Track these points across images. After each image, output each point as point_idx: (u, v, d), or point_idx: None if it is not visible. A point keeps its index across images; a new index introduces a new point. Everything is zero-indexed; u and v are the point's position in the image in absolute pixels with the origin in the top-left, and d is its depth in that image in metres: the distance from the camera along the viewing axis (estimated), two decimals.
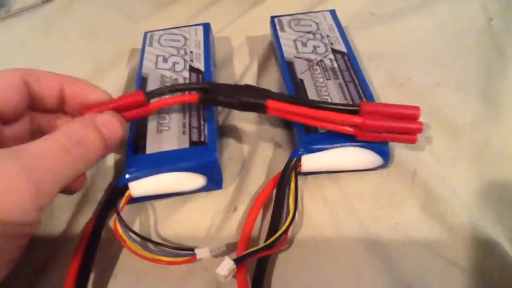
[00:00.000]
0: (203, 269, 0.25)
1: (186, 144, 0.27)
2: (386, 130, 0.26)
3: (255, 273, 0.24)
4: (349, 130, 0.26)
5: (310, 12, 0.37)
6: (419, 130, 0.26)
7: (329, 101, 0.29)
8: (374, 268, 0.25)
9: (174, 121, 0.29)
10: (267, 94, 0.27)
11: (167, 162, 0.27)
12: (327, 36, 0.34)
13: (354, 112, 0.26)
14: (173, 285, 0.25)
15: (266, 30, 0.38)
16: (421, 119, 0.31)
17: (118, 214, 0.25)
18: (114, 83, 0.37)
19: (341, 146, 0.27)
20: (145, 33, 0.37)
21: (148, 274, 0.25)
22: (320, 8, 0.40)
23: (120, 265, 0.26)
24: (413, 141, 0.26)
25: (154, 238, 0.27)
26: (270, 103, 0.26)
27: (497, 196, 0.27)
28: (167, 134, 0.28)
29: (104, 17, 0.46)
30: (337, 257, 0.26)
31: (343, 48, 0.33)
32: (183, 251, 0.25)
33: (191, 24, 0.38)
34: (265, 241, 0.24)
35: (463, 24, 0.39)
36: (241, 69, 0.38)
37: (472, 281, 0.24)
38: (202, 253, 0.24)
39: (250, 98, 0.26)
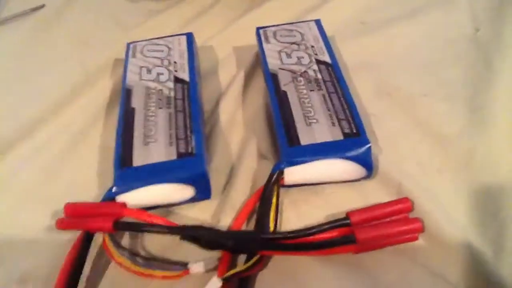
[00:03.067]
0: (184, 282, 0.25)
1: (173, 156, 0.27)
2: (384, 238, 0.25)
3: None
4: (349, 249, 0.25)
5: (295, 22, 0.37)
6: (419, 230, 0.25)
7: (312, 113, 0.29)
8: (359, 279, 0.25)
9: (161, 133, 0.29)
10: (258, 246, 0.25)
11: (155, 174, 0.27)
12: (312, 46, 0.34)
13: (346, 225, 0.25)
14: None
15: (254, 40, 0.38)
16: (407, 130, 0.32)
17: None
18: (99, 95, 0.37)
19: (324, 158, 0.27)
20: (128, 44, 0.37)
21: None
22: (310, 17, 0.39)
23: (106, 280, 0.26)
24: (414, 240, 0.26)
25: (141, 250, 0.27)
26: (264, 253, 0.25)
27: (483, 207, 0.27)
28: (154, 146, 0.28)
29: (93, 25, 0.46)
30: (321, 271, 0.25)
31: (327, 59, 0.33)
32: (176, 266, 0.25)
33: (176, 33, 0.38)
34: (246, 259, 0.24)
35: (451, 33, 0.39)
36: (227, 79, 0.37)
37: None
38: (195, 268, 0.24)
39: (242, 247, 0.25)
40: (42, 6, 0.48)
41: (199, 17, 0.45)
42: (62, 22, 0.47)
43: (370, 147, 0.27)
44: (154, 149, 0.28)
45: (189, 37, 0.37)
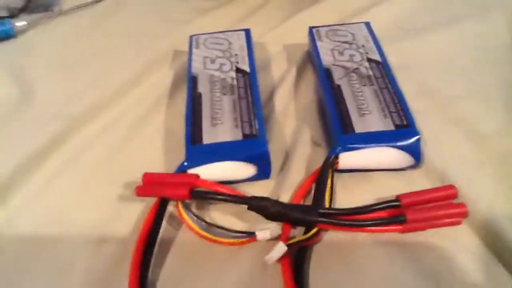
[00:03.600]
0: (248, 248, 0.28)
1: (239, 136, 0.30)
2: (431, 220, 0.28)
3: (296, 259, 0.26)
4: (397, 228, 0.27)
5: (346, 24, 0.40)
6: (464, 215, 0.27)
7: (365, 105, 0.32)
8: (404, 258, 0.27)
9: (227, 116, 0.32)
10: (317, 219, 0.27)
11: (223, 152, 0.29)
12: (363, 46, 0.37)
13: (396, 207, 0.27)
14: (223, 261, 0.27)
15: (303, 39, 0.41)
16: (448, 127, 0.34)
17: None
18: (160, 83, 0.40)
19: (376, 146, 0.30)
20: (191, 36, 0.40)
21: (199, 252, 0.28)
22: (355, 21, 0.42)
23: (177, 244, 0.29)
24: (458, 224, 0.28)
25: (208, 220, 0.29)
26: (321, 226, 0.27)
27: None
28: (221, 127, 0.31)
29: (149, 20, 0.50)
30: (370, 250, 0.28)
31: (377, 57, 0.36)
32: (244, 233, 0.27)
33: (233, 29, 0.41)
34: (305, 231, 0.27)
35: (488, 41, 0.42)
36: (280, 74, 0.40)
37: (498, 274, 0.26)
38: (262, 235, 0.27)
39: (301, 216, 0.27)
40: None
41: (248, 16, 0.48)
42: (120, 16, 0.51)
43: (419, 137, 0.30)
44: (221, 130, 0.31)
45: (247, 32, 0.40)
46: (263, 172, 0.31)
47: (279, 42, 0.44)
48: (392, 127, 0.30)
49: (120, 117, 0.38)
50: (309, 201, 0.30)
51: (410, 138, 0.30)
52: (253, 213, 0.28)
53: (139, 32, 0.48)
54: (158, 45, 0.45)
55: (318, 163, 0.30)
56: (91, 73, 0.43)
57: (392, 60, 0.40)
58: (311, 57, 0.40)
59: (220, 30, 0.42)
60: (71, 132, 0.37)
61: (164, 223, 0.29)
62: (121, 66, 0.43)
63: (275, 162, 0.33)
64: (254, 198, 0.27)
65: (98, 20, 0.49)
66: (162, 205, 0.28)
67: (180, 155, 0.30)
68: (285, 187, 0.31)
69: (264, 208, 0.27)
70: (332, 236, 0.28)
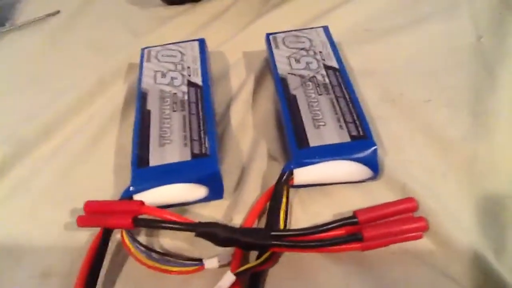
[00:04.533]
0: (198, 277, 0.26)
1: (188, 156, 0.29)
2: (389, 236, 0.26)
3: (249, 286, 0.25)
4: (355, 246, 0.26)
5: (304, 29, 0.38)
6: (424, 229, 0.26)
7: (320, 116, 0.30)
8: (365, 276, 0.26)
9: (176, 134, 0.30)
10: (270, 242, 0.25)
11: (171, 174, 0.28)
12: (320, 52, 0.35)
13: (353, 223, 0.26)
14: None
15: (263, 46, 0.39)
16: (411, 134, 0.33)
17: None
18: (114, 98, 0.39)
19: (331, 160, 0.28)
20: (142, 49, 0.38)
21: (147, 282, 0.26)
22: (316, 24, 0.41)
23: (123, 275, 0.27)
24: (419, 238, 0.27)
25: (157, 247, 0.28)
26: (275, 249, 0.26)
27: (485, 208, 0.28)
28: (170, 147, 0.29)
29: (106, 32, 0.48)
30: (329, 268, 0.26)
31: (335, 64, 0.34)
32: (192, 261, 0.26)
33: (188, 39, 0.39)
34: (258, 255, 0.26)
35: (454, 41, 0.40)
36: (238, 84, 0.39)
37: None
38: (210, 263, 0.25)
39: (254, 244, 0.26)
40: (57, 12, 0.50)
41: (209, 23, 0.47)
42: (76, 28, 0.49)
43: (376, 149, 0.28)
44: (169, 150, 0.29)
45: (201, 42, 0.38)
46: (215, 193, 0.29)
47: (239, 50, 0.42)
48: (348, 139, 0.29)
49: (71, 137, 0.36)
50: (264, 221, 0.28)
51: (366, 149, 0.28)
52: None
53: (95, 45, 0.46)
54: (114, 58, 0.43)
55: (275, 179, 0.29)
56: (44, 91, 0.41)
57: (355, 64, 0.39)
58: (269, 65, 0.38)
59: (180, 38, 0.40)
60: (20, 156, 0.35)
61: (112, 253, 0.28)
62: (75, 82, 0.41)
63: (230, 179, 0.31)
64: (201, 224, 0.26)
65: (52, 35, 0.48)
66: (105, 235, 0.26)
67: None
68: (240, 207, 0.30)
69: (212, 234, 0.25)
70: (288, 257, 0.27)
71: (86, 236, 0.29)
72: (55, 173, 0.34)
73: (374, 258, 0.26)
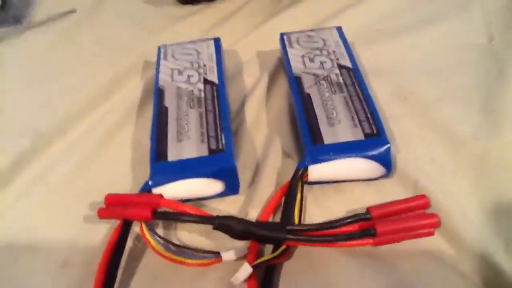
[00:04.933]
0: (215, 270, 0.27)
1: (205, 152, 0.29)
2: (402, 232, 0.27)
3: (263, 278, 0.26)
4: (368, 242, 0.27)
5: (317, 29, 0.39)
6: (436, 225, 0.27)
7: (335, 115, 0.31)
8: (377, 271, 0.27)
9: (193, 130, 0.31)
10: (285, 236, 0.26)
11: (188, 168, 0.29)
12: (334, 52, 0.36)
13: (367, 219, 0.27)
14: (189, 283, 0.27)
15: (276, 45, 0.40)
16: (423, 131, 0.33)
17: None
18: (130, 95, 0.39)
19: (346, 157, 0.29)
20: (159, 47, 0.39)
21: (165, 273, 0.27)
22: (328, 24, 0.42)
23: (142, 266, 0.28)
24: (431, 234, 0.27)
25: (175, 240, 0.29)
26: (289, 243, 0.26)
27: (495, 205, 0.29)
28: (187, 143, 0.30)
29: (121, 30, 0.48)
30: (342, 262, 0.27)
31: (348, 64, 0.35)
32: (209, 254, 0.26)
33: (203, 38, 0.40)
34: (273, 249, 0.26)
35: (465, 41, 0.41)
36: (252, 82, 0.39)
37: (473, 286, 0.25)
38: (227, 255, 0.26)
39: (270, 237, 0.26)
40: (74, 10, 0.51)
41: (223, 22, 0.47)
42: (92, 26, 0.49)
43: (389, 146, 0.29)
44: (187, 145, 0.30)
45: (217, 41, 0.39)
46: (232, 188, 0.30)
47: (252, 49, 0.43)
48: (361, 137, 0.29)
49: (88, 132, 0.37)
50: (279, 216, 0.29)
51: (380, 147, 0.29)
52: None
53: (110, 42, 0.47)
54: (129, 55, 0.44)
55: (289, 175, 0.30)
56: (60, 87, 0.42)
57: (367, 63, 0.40)
58: (283, 64, 0.39)
59: (193, 37, 0.41)
60: (38, 149, 0.36)
61: (130, 244, 0.29)
62: (91, 78, 0.42)
63: (245, 175, 0.32)
64: (219, 217, 0.26)
65: (68, 32, 0.48)
66: (125, 226, 0.27)
67: (149, 171, 0.29)
68: (255, 202, 0.30)
69: (229, 227, 0.26)
70: (303, 251, 0.28)
71: (105, 229, 0.29)
72: (73, 167, 0.34)
73: (387, 254, 0.27)
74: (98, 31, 0.49)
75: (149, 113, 0.34)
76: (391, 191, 0.30)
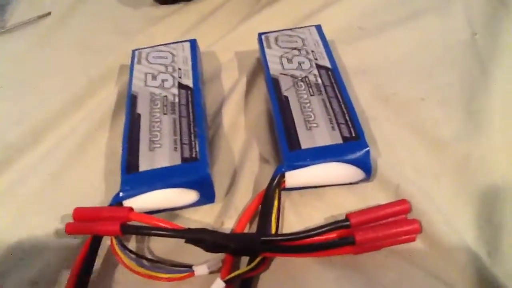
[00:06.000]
0: (188, 284, 0.26)
1: (178, 161, 0.28)
2: (382, 239, 0.26)
3: None
4: (347, 250, 0.26)
5: (296, 28, 0.38)
6: (417, 231, 0.26)
7: (312, 118, 0.30)
8: (357, 280, 0.26)
9: (166, 138, 0.30)
10: (260, 248, 0.25)
11: (160, 179, 0.27)
12: (312, 51, 0.35)
13: (346, 227, 0.26)
14: None
15: (255, 45, 0.39)
16: (405, 133, 0.32)
17: None
18: (104, 101, 0.38)
19: (323, 162, 0.28)
20: (133, 51, 0.38)
21: None
22: (309, 23, 0.40)
23: (113, 282, 0.27)
24: (412, 241, 0.26)
25: (147, 254, 0.28)
26: (265, 254, 0.25)
27: (478, 210, 0.28)
28: (159, 151, 0.29)
29: (98, 32, 0.47)
30: (321, 272, 0.26)
31: (327, 64, 0.34)
32: (182, 268, 0.25)
33: (180, 40, 0.39)
34: (249, 261, 0.25)
35: (448, 38, 0.40)
36: (230, 84, 0.38)
37: None
38: (200, 270, 0.25)
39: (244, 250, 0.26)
40: (49, 13, 0.49)
41: (201, 22, 0.46)
42: (67, 29, 0.48)
43: (368, 150, 0.28)
44: (159, 154, 0.29)
45: (193, 43, 0.38)
46: (207, 197, 0.29)
47: (231, 49, 0.42)
48: (340, 140, 0.28)
49: (61, 142, 0.36)
50: (256, 224, 0.28)
51: (358, 151, 0.28)
52: None
53: (86, 46, 0.45)
54: (105, 60, 0.43)
55: (267, 182, 0.28)
56: (33, 94, 0.41)
57: (349, 63, 0.39)
58: (261, 65, 0.38)
59: (171, 39, 0.40)
60: (8, 161, 0.35)
61: (101, 260, 0.27)
62: (65, 85, 0.40)
63: (221, 183, 0.31)
64: (191, 230, 0.25)
65: (43, 37, 0.47)
66: (94, 242, 0.26)
67: None
68: (231, 211, 0.29)
69: (202, 241, 0.25)
70: (279, 261, 0.27)
71: (78, 242, 0.28)
72: (44, 178, 0.33)
73: (367, 262, 0.26)
74: (73, 35, 0.47)
75: (123, 121, 0.33)
76: (372, 196, 0.29)
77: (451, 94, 0.35)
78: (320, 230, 0.26)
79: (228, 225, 0.28)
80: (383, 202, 0.28)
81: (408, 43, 0.40)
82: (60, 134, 0.37)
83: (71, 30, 0.48)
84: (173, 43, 0.38)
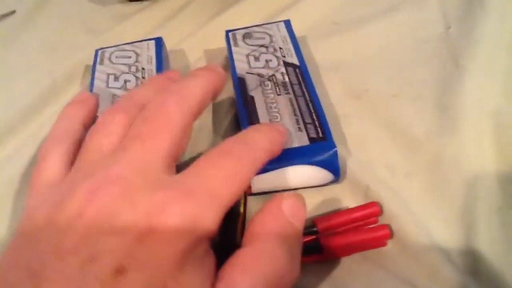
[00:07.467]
0: None
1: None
2: (351, 245, 0.25)
3: None
4: (315, 258, 0.25)
5: (264, 24, 0.36)
6: (387, 237, 0.25)
7: (279, 119, 0.29)
8: (327, 285, 0.25)
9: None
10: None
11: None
12: (280, 48, 0.34)
13: (313, 233, 0.25)
14: None
15: (224, 43, 0.37)
16: (377, 131, 0.32)
17: None
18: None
19: (290, 165, 0.27)
20: (96, 51, 0.36)
21: None
22: (282, 18, 0.39)
23: None
24: (383, 245, 0.26)
25: None
26: None
27: (451, 210, 0.27)
28: None
29: (63, 31, 0.46)
30: None
31: (295, 61, 0.33)
32: None
33: (147, 38, 0.37)
34: None
35: (422, 32, 0.39)
36: None
37: None
38: None
39: None
40: (13, 12, 0.48)
41: (170, 19, 0.45)
42: (32, 28, 0.46)
43: (336, 151, 0.27)
44: None
45: (158, 42, 0.36)
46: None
47: (200, 47, 0.40)
48: (306, 142, 0.27)
49: (22, 146, 0.34)
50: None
51: (326, 152, 0.27)
52: None
53: (51, 46, 0.44)
54: (70, 60, 0.41)
55: None
56: None
57: (321, 59, 0.38)
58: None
59: (139, 37, 0.38)
60: None
61: None
62: (28, 86, 0.39)
63: None
64: None
65: (6, 36, 0.45)
66: None
67: None
68: None
69: None
70: None
71: None
72: (6, 184, 0.32)
73: (335, 270, 0.25)
74: (38, 34, 0.46)
75: None
76: (341, 198, 0.28)
77: (424, 90, 0.34)
78: None
79: None
80: (353, 205, 0.28)
81: (382, 37, 0.39)
82: (22, 138, 0.35)
83: (36, 29, 0.46)
84: (137, 41, 0.37)
